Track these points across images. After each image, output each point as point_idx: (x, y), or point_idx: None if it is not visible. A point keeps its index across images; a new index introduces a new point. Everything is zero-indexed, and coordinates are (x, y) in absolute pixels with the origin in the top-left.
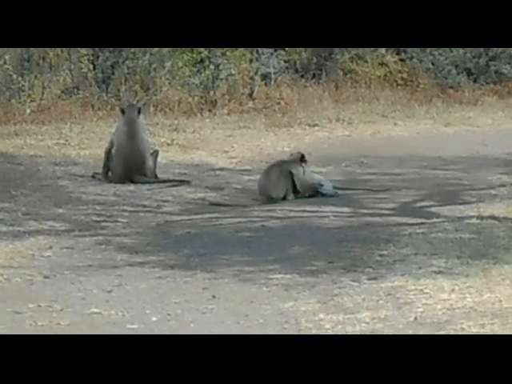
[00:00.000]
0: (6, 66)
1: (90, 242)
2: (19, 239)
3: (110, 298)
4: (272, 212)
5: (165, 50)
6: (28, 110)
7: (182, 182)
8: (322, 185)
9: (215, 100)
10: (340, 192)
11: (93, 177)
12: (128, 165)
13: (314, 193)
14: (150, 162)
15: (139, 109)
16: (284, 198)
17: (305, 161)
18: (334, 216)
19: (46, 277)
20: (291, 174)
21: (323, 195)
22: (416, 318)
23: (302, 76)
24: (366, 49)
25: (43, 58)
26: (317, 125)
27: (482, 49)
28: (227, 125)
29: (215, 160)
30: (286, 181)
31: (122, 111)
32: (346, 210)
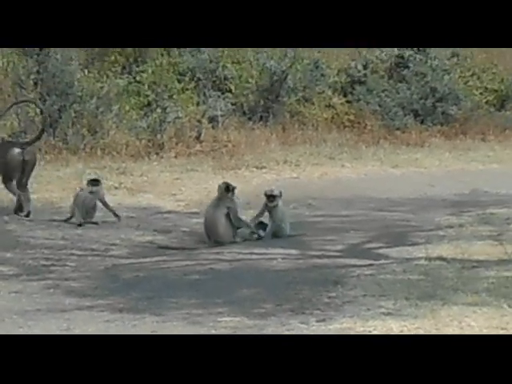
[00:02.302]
0: None
1: (38, 286)
2: None
3: None
4: (220, 254)
5: (112, 94)
6: None
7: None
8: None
9: (162, 143)
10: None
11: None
12: None
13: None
14: None
15: None
16: (233, 241)
17: (232, 190)
18: (282, 258)
19: None
20: (229, 208)
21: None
22: None
23: (250, 118)
24: (312, 91)
25: None
26: (264, 167)
27: (428, 90)
28: (175, 168)
29: (163, 203)
30: (230, 222)
31: None
32: (293, 252)
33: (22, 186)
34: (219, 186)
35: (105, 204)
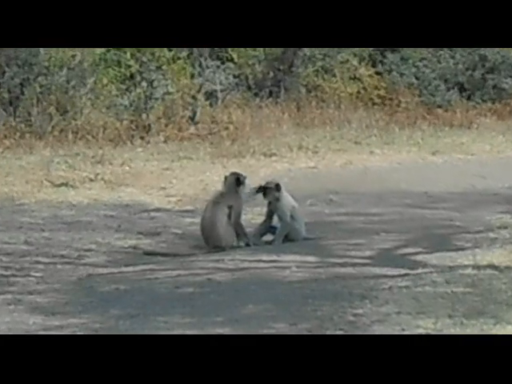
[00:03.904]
0: None
1: None
2: None
3: None
4: (220, 262)
5: (86, 64)
6: None
7: None
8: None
9: (149, 125)
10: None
11: None
12: None
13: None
14: None
15: None
16: (237, 245)
17: (242, 183)
18: (297, 267)
19: None
20: (231, 208)
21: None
22: None
23: (256, 94)
24: (333, 60)
25: None
26: (274, 154)
27: (476, 59)
28: (164, 155)
29: (149, 199)
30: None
31: None
32: (311, 259)
33: None
34: (227, 178)
35: None
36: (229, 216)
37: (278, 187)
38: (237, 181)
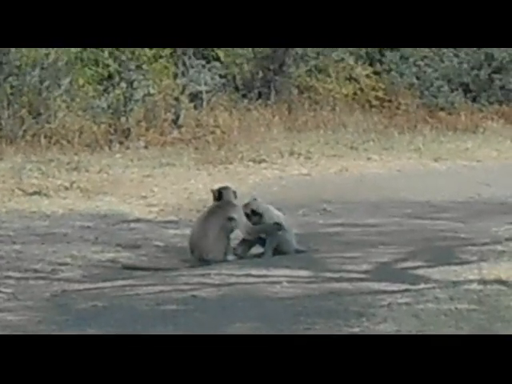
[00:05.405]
0: None
1: None
2: None
3: None
4: (206, 277)
5: (61, 63)
6: None
7: None
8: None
9: (128, 129)
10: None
11: None
12: None
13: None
14: None
15: None
16: (223, 259)
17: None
18: (289, 282)
19: None
20: (232, 220)
21: (281, 252)
22: None
23: (244, 96)
24: (328, 59)
25: None
26: (264, 160)
27: (482, 58)
28: (145, 161)
29: (129, 208)
30: (225, 235)
31: None
32: (303, 273)
33: None
34: (222, 192)
35: None
36: (224, 228)
37: (254, 212)
38: (234, 193)
